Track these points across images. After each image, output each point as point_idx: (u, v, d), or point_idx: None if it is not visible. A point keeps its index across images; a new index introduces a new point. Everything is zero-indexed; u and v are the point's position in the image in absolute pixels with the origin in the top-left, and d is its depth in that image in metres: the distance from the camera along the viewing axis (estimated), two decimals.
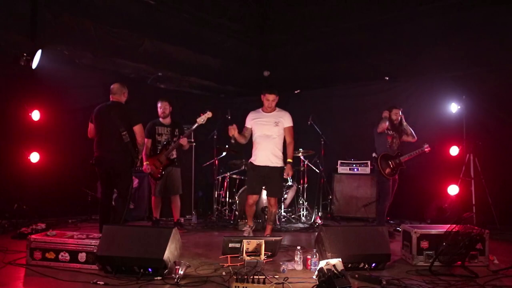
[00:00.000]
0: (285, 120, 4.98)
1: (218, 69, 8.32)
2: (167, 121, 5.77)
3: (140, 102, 7.15)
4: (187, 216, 6.58)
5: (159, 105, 5.73)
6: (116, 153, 4.64)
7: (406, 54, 7.21)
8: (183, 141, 5.53)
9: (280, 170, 4.97)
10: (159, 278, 3.38)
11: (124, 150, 4.62)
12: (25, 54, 5.33)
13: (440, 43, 6.85)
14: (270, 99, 4.91)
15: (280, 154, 4.99)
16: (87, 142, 5.67)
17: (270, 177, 4.95)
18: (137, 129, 4.71)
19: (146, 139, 5.46)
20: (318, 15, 8.19)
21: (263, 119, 4.98)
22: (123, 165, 4.69)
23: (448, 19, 6.80)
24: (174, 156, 5.64)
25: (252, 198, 5.04)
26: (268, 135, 4.91)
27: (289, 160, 4.99)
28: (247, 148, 7.50)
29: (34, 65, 5.41)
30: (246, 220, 5.51)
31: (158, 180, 5.59)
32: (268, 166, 4.92)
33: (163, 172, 5.54)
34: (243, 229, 5.29)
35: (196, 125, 5.51)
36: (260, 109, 5.10)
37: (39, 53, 5.40)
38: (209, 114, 5.46)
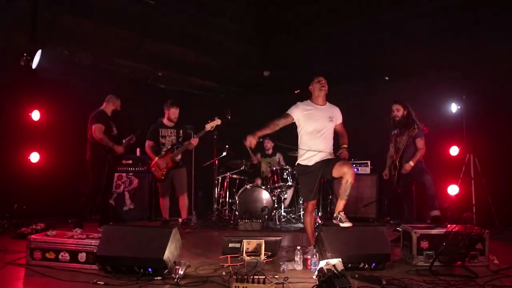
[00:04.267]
0: (338, 115, 4.42)
1: (218, 69, 8.32)
2: (171, 123, 5.77)
3: (140, 102, 7.19)
4: (187, 216, 6.59)
5: (171, 110, 5.68)
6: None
7: (406, 54, 7.20)
8: (194, 141, 5.56)
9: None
10: (159, 278, 3.37)
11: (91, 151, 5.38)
12: (25, 54, 5.32)
13: (440, 43, 6.84)
14: (322, 81, 4.28)
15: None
16: (86, 142, 5.66)
17: (327, 161, 4.18)
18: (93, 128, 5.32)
19: (148, 141, 5.68)
20: (318, 15, 8.18)
21: (317, 113, 4.28)
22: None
23: (448, 19, 6.80)
24: (179, 158, 5.65)
25: (312, 204, 4.31)
26: (323, 132, 4.25)
27: (345, 146, 4.32)
28: (246, 148, 7.56)
29: (34, 65, 5.41)
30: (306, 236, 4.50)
31: (160, 182, 5.64)
32: (321, 160, 4.21)
33: (167, 174, 5.58)
34: (308, 249, 4.22)
35: (204, 131, 5.53)
36: (309, 101, 4.37)
37: (39, 53, 5.40)
38: (218, 121, 5.49)
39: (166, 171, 5.56)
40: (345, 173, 3.95)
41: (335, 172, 4.05)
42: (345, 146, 4.31)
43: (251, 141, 4.18)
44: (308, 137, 4.25)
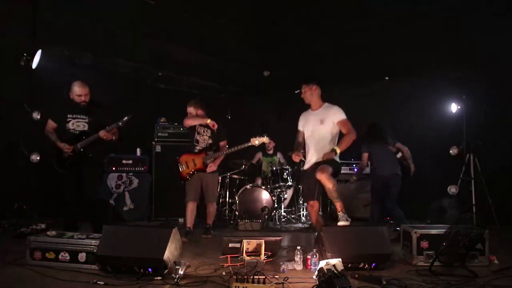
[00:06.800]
0: (331, 115, 4.36)
1: (218, 69, 8.32)
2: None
3: (140, 102, 7.19)
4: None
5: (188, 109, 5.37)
6: None
7: (406, 54, 7.21)
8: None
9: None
10: (159, 278, 3.37)
11: None
12: (25, 54, 5.32)
13: (440, 43, 6.85)
14: (302, 90, 4.49)
15: None
16: None
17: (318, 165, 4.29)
18: None
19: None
20: (318, 15, 8.19)
21: (310, 118, 4.49)
22: None
23: (448, 19, 6.80)
24: (210, 161, 5.22)
25: (310, 205, 4.58)
26: (314, 136, 4.39)
27: (335, 147, 4.23)
28: (247, 148, 7.55)
29: (34, 65, 5.41)
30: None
31: (184, 181, 5.21)
32: (315, 163, 4.34)
33: (193, 175, 5.17)
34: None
35: (248, 144, 5.04)
36: (310, 109, 4.60)
37: (39, 53, 5.40)
38: (265, 139, 5.01)
39: (193, 171, 5.15)
40: (320, 181, 4.16)
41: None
42: (335, 147, 4.24)
43: (298, 157, 4.44)
44: (306, 143, 4.54)
